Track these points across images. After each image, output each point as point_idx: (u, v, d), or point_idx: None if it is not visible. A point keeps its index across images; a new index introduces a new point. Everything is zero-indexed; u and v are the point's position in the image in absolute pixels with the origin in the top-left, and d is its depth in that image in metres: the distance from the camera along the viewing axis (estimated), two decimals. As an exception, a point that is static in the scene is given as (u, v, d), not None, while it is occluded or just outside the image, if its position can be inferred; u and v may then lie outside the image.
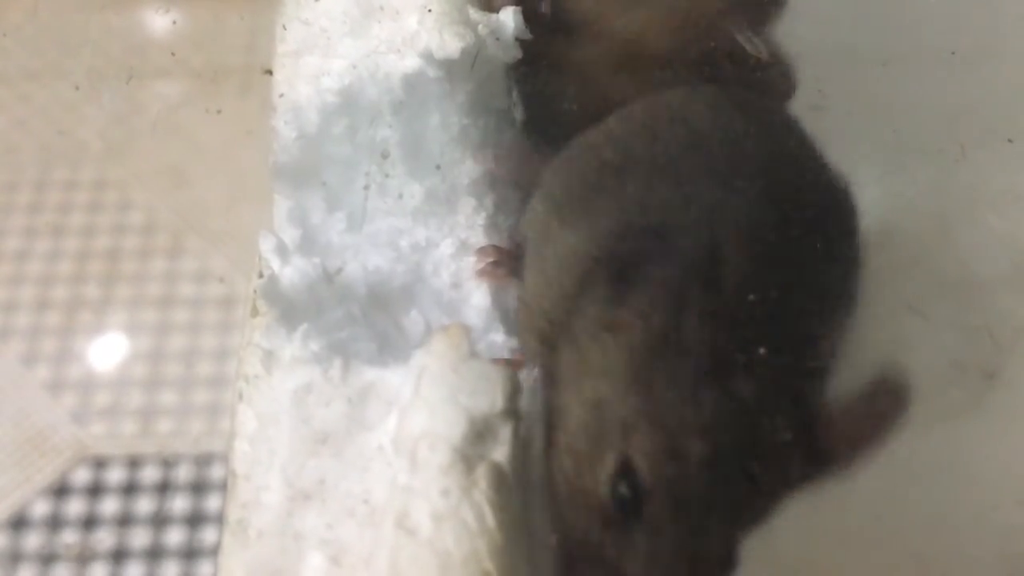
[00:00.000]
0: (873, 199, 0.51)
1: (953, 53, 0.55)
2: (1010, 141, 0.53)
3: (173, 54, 0.73)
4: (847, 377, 0.52)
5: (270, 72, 0.50)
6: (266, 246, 0.46)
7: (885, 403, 0.41)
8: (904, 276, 0.53)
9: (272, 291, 0.45)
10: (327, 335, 0.43)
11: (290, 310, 0.44)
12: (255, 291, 0.45)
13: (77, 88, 0.77)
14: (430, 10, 0.49)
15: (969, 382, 0.52)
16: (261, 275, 0.45)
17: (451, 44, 0.48)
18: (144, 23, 0.80)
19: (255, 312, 0.44)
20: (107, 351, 0.82)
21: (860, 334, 0.51)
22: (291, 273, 0.45)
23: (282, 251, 0.46)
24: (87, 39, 0.74)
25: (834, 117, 0.50)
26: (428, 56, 0.49)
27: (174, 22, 0.69)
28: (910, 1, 0.56)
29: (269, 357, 0.42)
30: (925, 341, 0.52)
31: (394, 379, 0.41)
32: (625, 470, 0.36)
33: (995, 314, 0.53)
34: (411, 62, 0.49)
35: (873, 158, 0.52)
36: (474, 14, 0.51)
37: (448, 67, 0.49)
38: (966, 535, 0.50)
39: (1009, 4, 0.60)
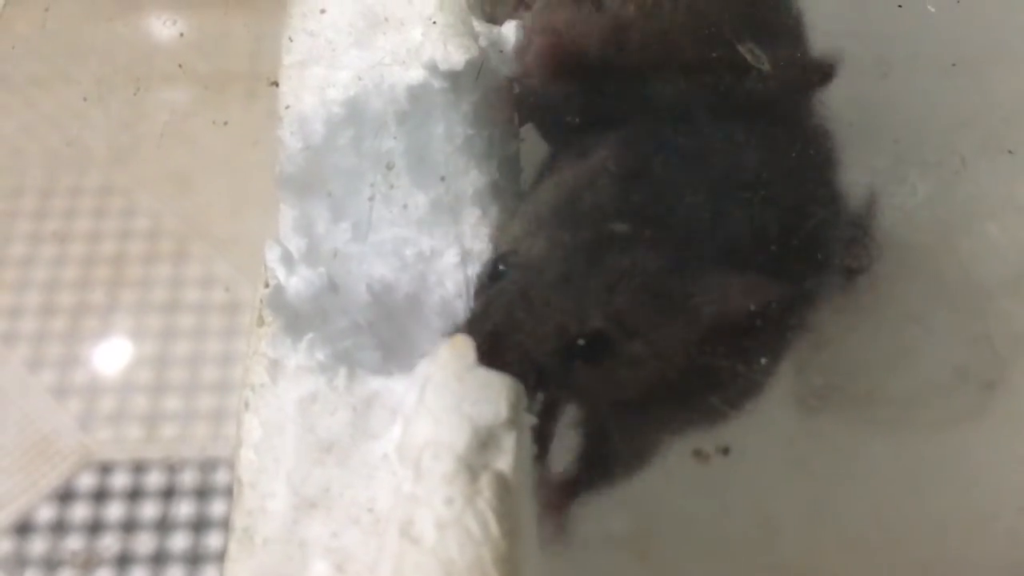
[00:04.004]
0: (875, 209, 0.51)
1: (954, 65, 0.56)
2: (1010, 152, 0.54)
3: (180, 65, 0.74)
4: (846, 385, 0.52)
5: (276, 84, 0.50)
6: (272, 256, 0.46)
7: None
8: (906, 285, 0.53)
9: (278, 300, 0.45)
10: (332, 344, 0.44)
11: (296, 319, 0.45)
12: (261, 300, 0.45)
13: (84, 96, 0.77)
14: (435, 22, 0.50)
15: (970, 390, 0.53)
16: (267, 284, 0.46)
17: (455, 56, 0.48)
18: (151, 33, 0.80)
19: (261, 321, 0.45)
20: (112, 356, 0.82)
21: (864, 342, 0.51)
22: (297, 283, 0.46)
23: (288, 261, 0.46)
24: (94, 48, 0.74)
25: (836, 128, 0.51)
26: (433, 68, 0.49)
27: (181, 34, 0.70)
28: (910, 13, 0.56)
29: (275, 366, 0.43)
30: (927, 349, 0.52)
31: (399, 388, 0.41)
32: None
33: (996, 322, 0.53)
34: (416, 74, 0.49)
35: (875, 169, 0.52)
36: (478, 26, 0.52)
37: (452, 79, 0.49)
38: (968, 541, 0.51)
39: (1008, 16, 0.60)
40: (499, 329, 0.42)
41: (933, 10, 0.57)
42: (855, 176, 0.50)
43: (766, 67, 0.48)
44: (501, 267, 0.44)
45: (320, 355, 0.43)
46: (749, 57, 0.48)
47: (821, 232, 0.48)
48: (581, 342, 0.42)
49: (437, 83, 0.49)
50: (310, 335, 0.44)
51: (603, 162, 0.46)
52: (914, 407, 0.52)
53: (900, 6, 0.56)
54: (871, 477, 0.51)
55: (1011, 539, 0.50)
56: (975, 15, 0.58)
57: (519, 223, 0.46)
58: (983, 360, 0.53)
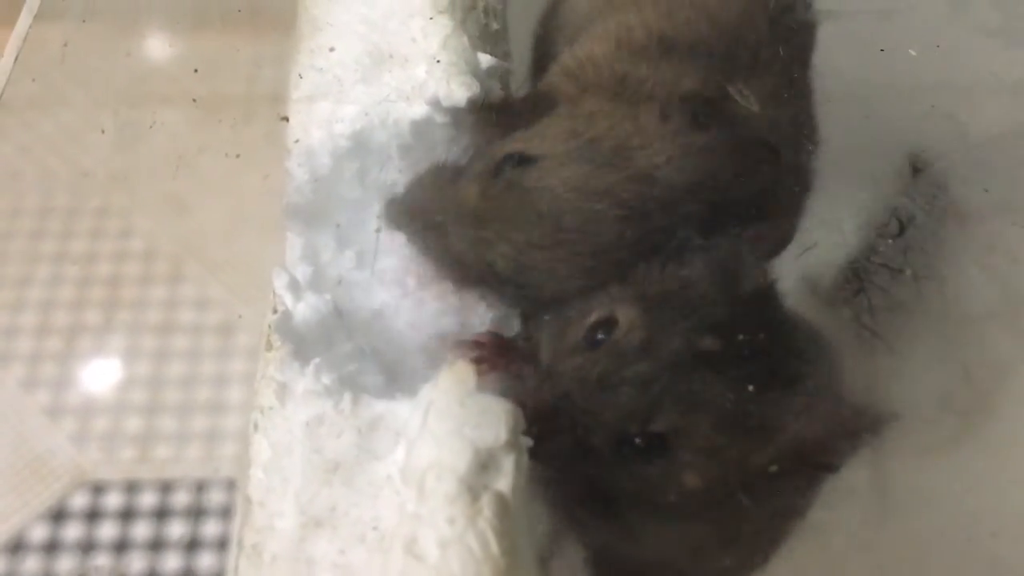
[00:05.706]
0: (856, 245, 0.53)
1: (933, 106, 0.58)
2: (986, 191, 0.55)
3: (190, 97, 0.75)
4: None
5: (286, 119, 0.51)
6: (280, 283, 0.48)
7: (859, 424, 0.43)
8: (891, 316, 0.54)
9: (285, 326, 0.46)
10: (338, 369, 0.45)
11: (303, 344, 0.46)
12: (269, 326, 0.46)
13: (83, 117, 0.78)
14: (438, 61, 0.51)
15: (951, 418, 0.54)
16: (275, 311, 0.47)
17: (458, 93, 0.50)
18: (161, 60, 0.81)
19: (269, 346, 0.46)
20: (106, 377, 0.82)
21: (849, 372, 0.52)
22: (303, 309, 0.47)
23: (295, 288, 0.48)
24: (97, 71, 0.75)
25: (821, 167, 0.52)
26: (436, 104, 0.51)
27: (196, 70, 0.71)
28: (892, 56, 0.58)
29: (283, 390, 0.44)
30: (910, 379, 0.53)
31: (402, 411, 0.43)
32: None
33: (975, 353, 0.55)
34: (420, 109, 0.51)
35: (859, 205, 0.54)
36: (482, 58, 0.53)
37: (455, 114, 0.51)
38: (946, 563, 0.52)
39: (985, 59, 0.62)
40: (566, 399, 0.42)
41: (914, 54, 0.59)
42: (842, 214, 0.52)
43: (755, 107, 0.49)
44: (600, 335, 0.43)
45: (326, 379, 0.44)
46: (739, 98, 0.50)
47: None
48: (638, 440, 0.42)
49: (440, 118, 0.51)
50: (317, 360, 0.45)
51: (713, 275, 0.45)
52: (898, 434, 0.53)
53: (882, 50, 0.58)
54: (854, 501, 0.52)
55: (985, 562, 0.51)
56: (953, 59, 0.60)
57: (629, 294, 0.45)
58: (963, 389, 0.54)
